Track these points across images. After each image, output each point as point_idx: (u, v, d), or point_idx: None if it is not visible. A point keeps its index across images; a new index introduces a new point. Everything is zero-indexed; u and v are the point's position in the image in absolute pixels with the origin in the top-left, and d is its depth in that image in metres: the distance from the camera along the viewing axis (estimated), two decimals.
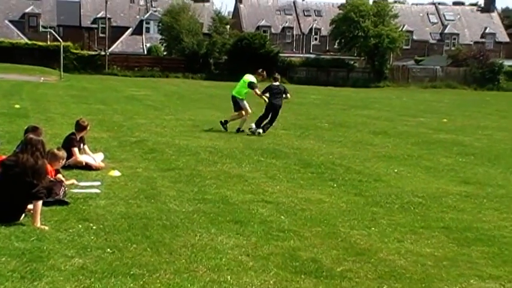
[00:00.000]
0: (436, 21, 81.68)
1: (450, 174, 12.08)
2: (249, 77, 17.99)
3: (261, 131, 17.28)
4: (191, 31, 61.01)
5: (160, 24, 65.87)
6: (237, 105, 18.01)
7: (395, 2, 79.45)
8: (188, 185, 9.89)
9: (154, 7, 77.60)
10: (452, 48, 73.07)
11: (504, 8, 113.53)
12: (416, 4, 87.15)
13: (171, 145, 14.20)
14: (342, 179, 11.05)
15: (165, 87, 42.55)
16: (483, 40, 78.97)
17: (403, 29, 69.51)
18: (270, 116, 17.65)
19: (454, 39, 79.48)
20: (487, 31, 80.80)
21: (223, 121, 17.99)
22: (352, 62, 63.30)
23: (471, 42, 76.21)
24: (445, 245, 7.23)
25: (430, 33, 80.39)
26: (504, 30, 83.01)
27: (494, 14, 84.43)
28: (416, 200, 9.59)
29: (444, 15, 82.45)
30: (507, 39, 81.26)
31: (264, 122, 17.55)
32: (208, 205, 8.60)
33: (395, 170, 12.23)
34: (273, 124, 17.82)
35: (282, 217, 8.17)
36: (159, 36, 66.06)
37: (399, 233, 7.66)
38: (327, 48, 75.45)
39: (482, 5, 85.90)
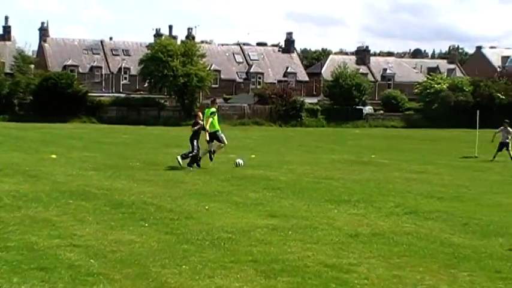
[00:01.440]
0: (241, 60, 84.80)
1: (258, 209, 12.50)
2: (209, 110, 20.18)
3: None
4: None
5: None
6: (214, 137, 19.99)
7: (202, 42, 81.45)
8: None
9: None
10: (258, 87, 76.18)
11: (302, 49, 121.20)
12: (223, 44, 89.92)
13: None
14: (153, 218, 11.02)
15: None
16: (286, 79, 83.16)
17: (211, 68, 71.22)
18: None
19: (259, 78, 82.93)
20: (288, 70, 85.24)
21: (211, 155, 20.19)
22: (162, 101, 63.62)
23: (275, 81, 79.87)
24: (253, 278, 7.46)
25: (237, 72, 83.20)
26: (304, 70, 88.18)
27: (294, 55, 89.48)
28: (226, 235, 9.81)
29: (249, 55, 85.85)
30: (307, 78, 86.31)
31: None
32: (11, 253, 8.15)
33: (206, 207, 12.42)
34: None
35: (92, 260, 7.96)
36: None
37: (210, 269, 7.77)
38: (137, 87, 75.22)
39: (283, 46, 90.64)
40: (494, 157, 25.75)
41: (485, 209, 13.13)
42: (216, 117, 20.31)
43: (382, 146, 35.43)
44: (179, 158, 19.39)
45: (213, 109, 20.44)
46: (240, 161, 20.68)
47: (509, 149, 26.04)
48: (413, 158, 26.53)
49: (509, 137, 26.17)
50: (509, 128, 26.30)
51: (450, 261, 8.58)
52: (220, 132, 20.33)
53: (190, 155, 19.60)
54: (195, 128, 19.94)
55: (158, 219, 10.98)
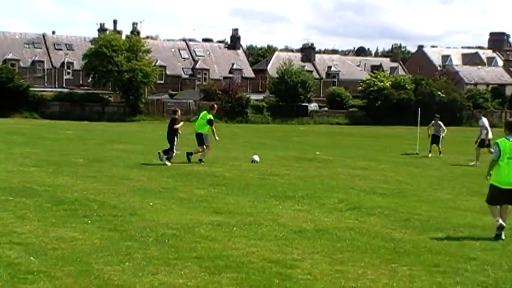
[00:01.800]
0: (187, 56, 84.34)
1: (203, 205, 12.49)
2: (207, 115, 21.10)
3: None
4: None
5: None
6: (201, 140, 20.66)
7: (147, 37, 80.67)
8: None
9: None
10: (204, 83, 75.90)
11: (248, 46, 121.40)
12: (168, 40, 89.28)
13: None
14: (96, 215, 10.89)
15: None
16: (231, 75, 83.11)
17: (156, 64, 70.68)
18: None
19: (205, 74, 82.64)
20: (234, 67, 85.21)
21: (189, 152, 20.55)
22: (107, 97, 62.80)
23: (221, 77, 79.77)
24: (197, 275, 7.46)
25: (183, 68, 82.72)
26: (249, 67, 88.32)
27: (240, 51, 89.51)
28: (171, 231, 9.77)
29: (195, 51, 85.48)
30: (252, 75, 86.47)
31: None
32: None
33: (151, 203, 12.34)
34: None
35: (32, 258, 7.82)
36: None
37: (153, 266, 7.73)
38: (81, 82, 74.01)
39: (229, 42, 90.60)
40: (429, 151, 26.40)
41: (426, 205, 13.44)
42: (205, 121, 20.99)
43: (327, 142, 35.82)
44: (167, 162, 19.68)
45: (210, 116, 21.18)
46: (256, 157, 21.47)
47: (440, 142, 26.68)
48: (357, 154, 26.92)
49: (441, 131, 26.80)
50: (440, 122, 26.93)
51: (391, 256, 8.75)
52: (205, 136, 20.92)
53: (171, 153, 20.12)
54: (177, 126, 20.54)
55: (101, 216, 10.86)
